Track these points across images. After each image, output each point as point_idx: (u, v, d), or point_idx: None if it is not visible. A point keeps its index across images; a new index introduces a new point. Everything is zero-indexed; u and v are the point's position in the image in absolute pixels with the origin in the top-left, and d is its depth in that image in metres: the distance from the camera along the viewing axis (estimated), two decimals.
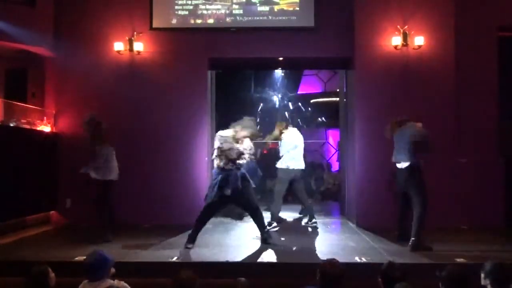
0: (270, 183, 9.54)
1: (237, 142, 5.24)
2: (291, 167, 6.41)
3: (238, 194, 5.14)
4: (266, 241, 5.28)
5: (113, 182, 5.75)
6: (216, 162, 5.24)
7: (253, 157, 7.24)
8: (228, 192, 5.05)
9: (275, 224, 6.40)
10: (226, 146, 5.15)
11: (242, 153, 5.21)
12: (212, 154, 5.35)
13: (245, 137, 5.32)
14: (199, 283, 2.76)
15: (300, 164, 6.48)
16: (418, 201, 5.11)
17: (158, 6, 7.11)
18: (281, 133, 6.61)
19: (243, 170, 5.27)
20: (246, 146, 5.30)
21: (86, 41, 7.07)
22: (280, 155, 6.52)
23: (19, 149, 6.34)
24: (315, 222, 6.64)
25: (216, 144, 5.23)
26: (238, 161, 5.17)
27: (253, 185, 5.42)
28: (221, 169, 5.16)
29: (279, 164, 6.50)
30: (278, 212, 6.48)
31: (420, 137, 5.17)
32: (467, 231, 6.26)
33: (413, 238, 5.03)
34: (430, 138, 5.17)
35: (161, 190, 6.85)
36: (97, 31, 7.07)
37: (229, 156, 5.13)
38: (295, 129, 6.80)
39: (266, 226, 5.39)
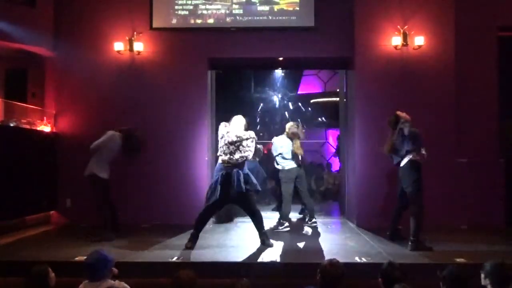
0: (270, 183, 9.56)
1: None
2: (286, 168, 6.44)
3: (242, 196, 5.13)
4: (265, 243, 5.27)
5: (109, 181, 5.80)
6: (221, 158, 5.18)
7: (257, 158, 7.20)
8: (235, 193, 5.03)
9: (286, 224, 6.39)
10: (232, 137, 5.10)
11: (253, 138, 5.16)
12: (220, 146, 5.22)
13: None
14: (198, 283, 2.76)
15: (293, 163, 6.48)
16: (413, 199, 5.13)
17: (158, 6, 7.11)
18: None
19: (246, 169, 5.24)
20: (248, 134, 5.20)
21: (86, 41, 7.07)
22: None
23: (19, 149, 6.34)
24: (315, 222, 6.64)
25: (225, 130, 5.17)
26: (247, 153, 5.12)
27: (259, 189, 5.38)
28: (224, 166, 5.13)
29: (276, 165, 6.60)
30: (289, 212, 6.47)
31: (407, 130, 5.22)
32: (467, 231, 6.26)
33: (412, 238, 5.03)
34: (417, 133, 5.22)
35: (161, 190, 6.85)
36: (97, 31, 7.07)
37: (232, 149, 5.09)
38: (280, 136, 6.70)
39: (264, 228, 5.38)
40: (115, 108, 6.91)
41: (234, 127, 5.22)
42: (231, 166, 5.10)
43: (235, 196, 5.10)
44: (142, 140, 5.98)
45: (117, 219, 5.88)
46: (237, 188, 5.03)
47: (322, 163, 11.72)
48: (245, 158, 5.14)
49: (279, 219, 6.46)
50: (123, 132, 5.86)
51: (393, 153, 5.40)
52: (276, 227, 6.38)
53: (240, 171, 5.11)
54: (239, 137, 5.11)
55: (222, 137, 5.18)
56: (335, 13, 7.06)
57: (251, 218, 5.38)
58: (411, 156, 5.20)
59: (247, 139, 5.12)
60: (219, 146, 5.22)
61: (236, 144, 5.09)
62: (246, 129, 5.35)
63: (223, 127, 5.22)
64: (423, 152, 5.22)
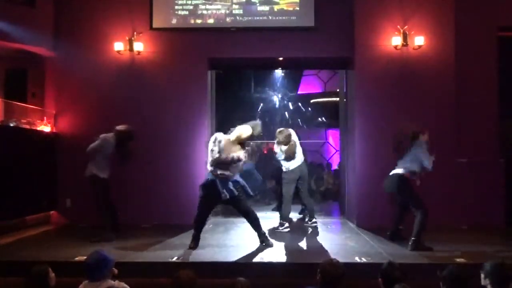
0: (270, 183, 9.57)
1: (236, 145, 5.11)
2: (291, 168, 6.44)
3: (231, 200, 5.13)
4: (264, 243, 5.27)
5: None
6: (208, 167, 5.16)
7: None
8: (225, 196, 5.02)
9: (286, 224, 6.38)
10: (218, 153, 5.00)
11: (237, 161, 5.03)
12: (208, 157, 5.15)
13: (245, 138, 5.19)
14: (198, 283, 2.76)
15: (297, 162, 6.46)
16: (415, 207, 5.15)
17: (158, 6, 7.11)
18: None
19: (235, 177, 5.17)
20: (240, 154, 5.07)
21: (86, 41, 7.07)
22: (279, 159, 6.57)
23: (19, 149, 6.34)
24: (315, 222, 6.64)
25: (211, 147, 5.07)
26: (228, 172, 5.04)
27: (251, 193, 5.33)
28: (212, 174, 5.10)
29: (283, 168, 6.54)
30: (288, 212, 6.46)
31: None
32: (467, 231, 6.25)
33: (413, 238, 5.03)
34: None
35: (161, 190, 6.85)
36: (97, 31, 7.07)
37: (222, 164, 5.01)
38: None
39: (261, 228, 5.37)
40: (115, 108, 6.91)
41: (225, 144, 5.04)
42: (219, 175, 5.06)
43: (223, 200, 5.09)
44: (130, 152, 5.90)
45: (117, 219, 5.88)
46: (222, 195, 5.02)
47: (322, 163, 11.72)
48: (225, 175, 5.04)
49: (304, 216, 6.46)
50: (117, 133, 5.82)
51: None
52: (276, 227, 6.38)
53: (229, 179, 5.08)
54: (219, 159, 4.97)
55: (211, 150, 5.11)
56: (335, 13, 7.06)
57: (245, 219, 5.38)
58: (402, 171, 5.23)
59: (230, 161, 4.98)
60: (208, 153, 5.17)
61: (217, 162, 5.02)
62: (251, 137, 5.25)
63: (211, 142, 5.07)
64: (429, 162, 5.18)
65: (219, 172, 5.03)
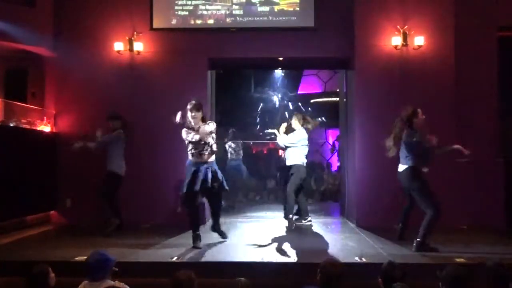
0: (270, 183, 9.59)
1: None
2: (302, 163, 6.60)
3: (210, 188, 5.25)
4: (216, 232, 5.52)
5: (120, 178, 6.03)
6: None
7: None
8: (208, 184, 5.15)
9: (309, 218, 6.65)
10: (190, 137, 5.28)
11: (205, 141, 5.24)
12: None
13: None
14: (198, 283, 2.76)
15: (293, 161, 6.61)
16: (427, 204, 4.99)
17: (158, 7, 7.11)
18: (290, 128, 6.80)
19: (214, 166, 5.33)
20: (208, 129, 5.30)
21: (86, 41, 7.07)
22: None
23: (19, 149, 6.34)
24: (310, 221, 6.68)
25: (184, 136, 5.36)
26: (206, 153, 5.23)
27: (226, 188, 5.46)
28: (193, 164, 5.25)
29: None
30: (293, 207, 6.58)
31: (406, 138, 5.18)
32: (467, 231, 6.26)
33: (418, 239, 4.95)
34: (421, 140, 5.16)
35: (161, 190, 6.85)
36: (97, 31, 7.07)
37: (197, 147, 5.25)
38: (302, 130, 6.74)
39: (219, 217, 5.57)
40: (115, 108, 6.87)
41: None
42: (199, 163, 5.25)
43: (207, 188, 5.20)
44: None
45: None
46: (213, 181, 5.22)
47: (322, 163, 11.72)
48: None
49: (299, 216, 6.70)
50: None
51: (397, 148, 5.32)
52: (299, 220, 6.63)
53: (209, 167, 5.23)
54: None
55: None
56: (335, 13, 7.06)
57: (209, 203, 5.61)
58: (410, 163, 5.14)
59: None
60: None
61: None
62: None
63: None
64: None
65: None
